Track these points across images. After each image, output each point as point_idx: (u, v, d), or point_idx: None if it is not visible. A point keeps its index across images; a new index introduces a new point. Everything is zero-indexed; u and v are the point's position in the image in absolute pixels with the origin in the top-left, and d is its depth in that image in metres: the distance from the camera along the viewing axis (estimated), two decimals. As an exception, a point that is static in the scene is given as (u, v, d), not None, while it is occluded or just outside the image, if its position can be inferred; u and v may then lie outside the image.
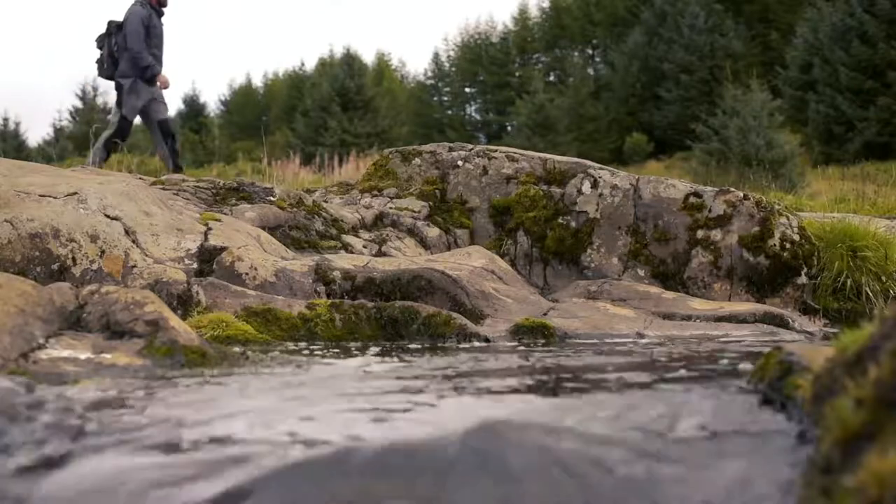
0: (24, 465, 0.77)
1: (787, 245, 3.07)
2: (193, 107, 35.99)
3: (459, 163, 3.73)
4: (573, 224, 3.33)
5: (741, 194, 3.20)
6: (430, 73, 39.79)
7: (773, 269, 3.05)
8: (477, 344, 2.06)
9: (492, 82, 38.33)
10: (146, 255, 2.42)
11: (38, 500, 0.71)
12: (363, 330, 2.12)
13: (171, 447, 0.82)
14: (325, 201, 3.58)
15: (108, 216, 2.52)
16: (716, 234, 3.12)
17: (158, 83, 7.14)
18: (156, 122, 7.20)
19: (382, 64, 42.63)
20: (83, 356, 1.29)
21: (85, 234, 2.37)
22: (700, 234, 3.15)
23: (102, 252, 2.36)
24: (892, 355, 0.66)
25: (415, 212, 3.52)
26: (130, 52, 6.88)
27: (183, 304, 2.13)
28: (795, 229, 3.11)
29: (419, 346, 1.94)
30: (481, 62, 38.08)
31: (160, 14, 7.09)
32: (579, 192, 3.38)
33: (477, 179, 3.64)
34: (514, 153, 3.71)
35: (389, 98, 33.72)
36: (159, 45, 7.09)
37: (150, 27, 6.91)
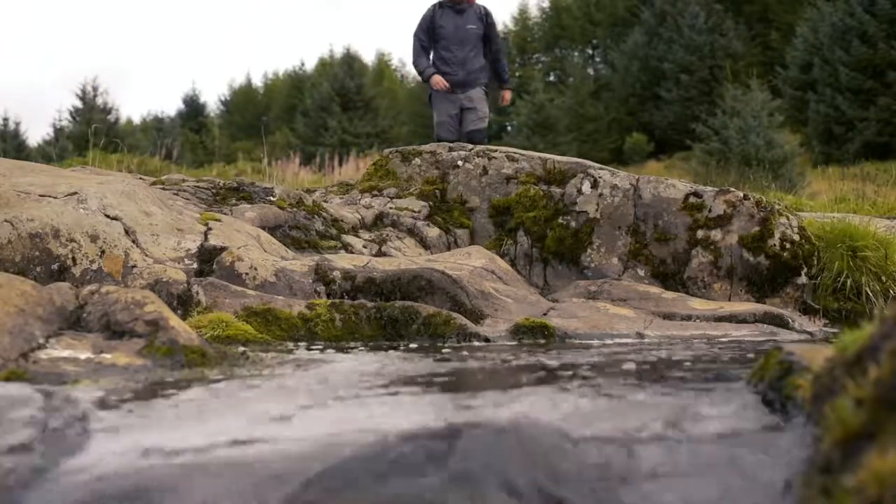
0: (23, 465, 0.77)
1: (787, 245, 3.06)
2: (193, 107, 35.98)
3: (459, 163, 3.73)
4: (573, 224, 3.32)
5: (741, 194, 3.20)
6: (430, 73, 39.70)
7: (773, 269, 3.05)
8: (477, 344, 2.06)
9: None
10: (146, 255, 2.42)
11: (38, 500, 0.71)
12: (363, 330, 2.12)
13: (171, 447, 0.82)
14: (325, 201, 3.58)
15: (108, 216, 2.52)
16: (716, 234, 3.12)
17: (433, 84, 6.45)
18: (464, 132, 6.43)
19: (382, 64, 42.64)
20: (83, 356, 1.29)
21: (85, 234, 2.37)
22: (700, 234, 3.15)
23: (102, 252, 2.36)
24: (892, 355, 0.66)
25: (415, 212, 3.52)
26: None
27: (183, 304, 2.13)
28: (795, 229, 3.11)
29: (419, 346, 1.94)
30: (481, 62, 37.94)
31: (457, 10, 6.32)
32: (579, 192, 3.38)
33: (477, 179, 3.64)
34: (514, 153, 3.71)
35: (389, 98, 33.71)
36: (451, 46, 6.33)
37: (435, 28, 6.33)
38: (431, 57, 6.45)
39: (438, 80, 6.35)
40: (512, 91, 6.62)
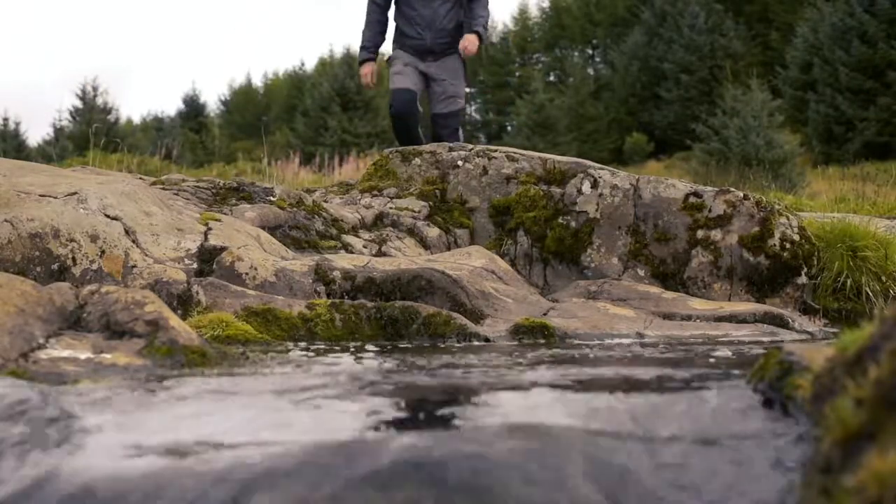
0: (23, 467, 0.77)
1: (788, 245, 3.06)
2: (193, 107, 35.99)
3: (459, 163, 3.73)
4: (573, 224, 3.32)
5: (741, 194, 3.20)
6: (430, 73, 39.69)
7: (773, 269, 3.05)
8: (477, 344, 2.06)
9: (492, 82, 38.34)
10: (146, 255, 2.42)
11: (37, 501, 0.71)
12: (363, 330, 2.12)
13: (170, 448, 0.82)
14: (325, 201, 3.58)
15: (108, 216, 2.52)
16: (716, 234, 3.12)
17: (361, 75, 5.44)
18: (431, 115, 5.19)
19: (382, 64, 42.57)
20: (83, 356, 1.29)
21: (85, 234, 2.36)
22: (700, 234, 3.14)
23: (102, 252, 2.36)
24: (892, 355, 0.66)
25: (415, 212, 3.52)
26: None
27: (183, 304, 2.13)
28: (795, 229, 3.11)
29: (419, 346, 1.94)
30: (481, 62, 38.06)
31: None
32: (579, 192, 3.37)
33: (477, 179, 3.64)
34: (514, 153, 3.70)
35: (390, 98, 33.72)
36: (414, 2, 5.02)
37: (396, 1, 5.16)
38: (393, 15, 5.20)
39: (365, 74, 5.38)
40: (480, 39, 4.98)
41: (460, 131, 5.24)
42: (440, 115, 5.18)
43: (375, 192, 3.76)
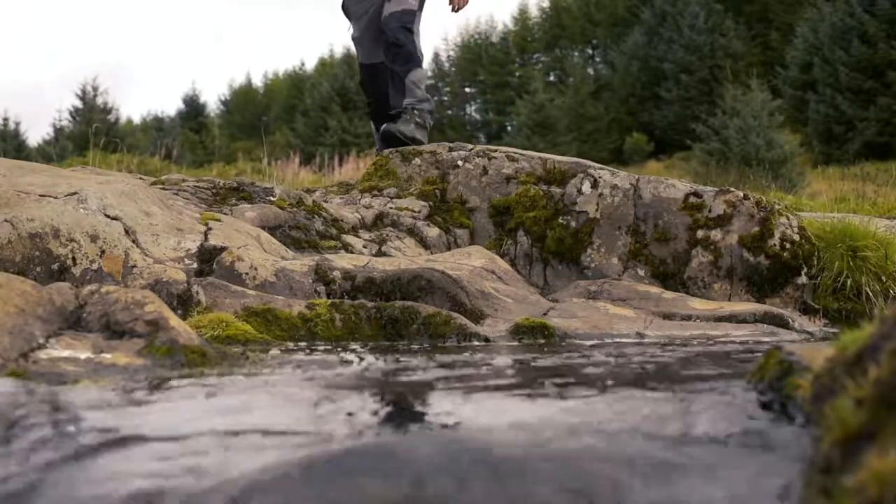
0: (22, 467, 0.77)
1: (788, 245, 3.06)
2: (193, 107, 36.01)
3: (459, 163, 3.73)
4: (573, 224, 3.32)
5: (741, 194, 3.20)
6: (429, 73, 39.82)
7: (773, 269, 3.05)
8: (476, 344, 2.06)
9: (492, 82, 38.34)
10: (146, 255, 2.42)
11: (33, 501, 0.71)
12: (363, 330, 2.12)
13: (170, 447, 0.82)
14: (325, 201, 3.58)
15: (108, 216, 2.52)
16: (716, 234, 3.12)
17: None
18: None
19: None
20: (83, 356, 1.29)
21: (85, 234, 2.36)
22: (700, 234, 3.14)
23: (102, 252, 2.36)
24: (892, 355, 0.66)
25: (415, 212, 3.52)
26: None
27: (183, 304, 2.13)
28: (795, 229, 3.11)
29: (419, 346, 1.94)
30: (481, 62, 38.10)
31: None
32: (579, 191, 3.37)
33: (477, 179, 3.64)
34: (514, 153, 3.70)
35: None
36: None
37: None
38: None
39: None
40: None
41: (417, 38, 4.48)
42: (388, 15, 4.37)
43: (375, 192, 3.76)
